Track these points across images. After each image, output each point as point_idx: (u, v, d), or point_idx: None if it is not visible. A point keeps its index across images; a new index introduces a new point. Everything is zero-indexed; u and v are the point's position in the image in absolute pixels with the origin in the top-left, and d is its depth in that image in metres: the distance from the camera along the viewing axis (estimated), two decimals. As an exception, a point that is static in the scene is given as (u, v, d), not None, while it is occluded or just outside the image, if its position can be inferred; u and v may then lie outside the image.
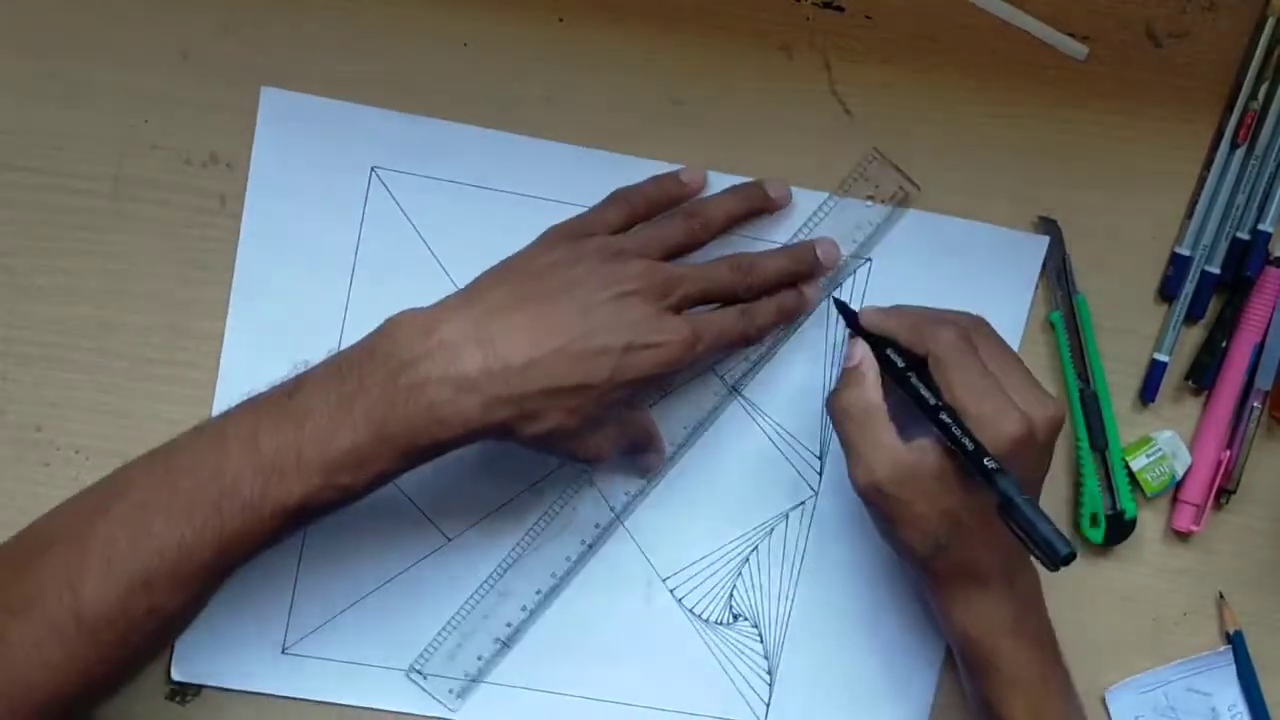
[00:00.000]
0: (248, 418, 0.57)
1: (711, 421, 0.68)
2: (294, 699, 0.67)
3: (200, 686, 0.67)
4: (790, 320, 0.66)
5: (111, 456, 0.66)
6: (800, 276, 0.66)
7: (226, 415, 0.57)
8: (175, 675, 0.66)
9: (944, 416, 0.59)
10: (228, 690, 0.67)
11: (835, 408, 0.63)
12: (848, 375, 0.63)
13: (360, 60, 0.65)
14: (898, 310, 0.65)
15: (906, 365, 0.62)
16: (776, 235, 0.66)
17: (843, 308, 0.66)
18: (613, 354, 0.58)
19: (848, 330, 0.65)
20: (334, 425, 0.55)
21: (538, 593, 0.68)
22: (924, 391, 0.61)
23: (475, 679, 0.68)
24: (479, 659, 0.68)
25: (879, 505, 0.61)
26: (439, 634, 0.67)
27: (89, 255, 0.65)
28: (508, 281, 0.59)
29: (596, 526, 0.68)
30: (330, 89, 0.65)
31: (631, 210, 0.64)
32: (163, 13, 0.64)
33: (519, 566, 0.67)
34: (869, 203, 0.67)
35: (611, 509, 0.68)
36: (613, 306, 0.58)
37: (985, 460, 0.58)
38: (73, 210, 0.65)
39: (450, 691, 0.68)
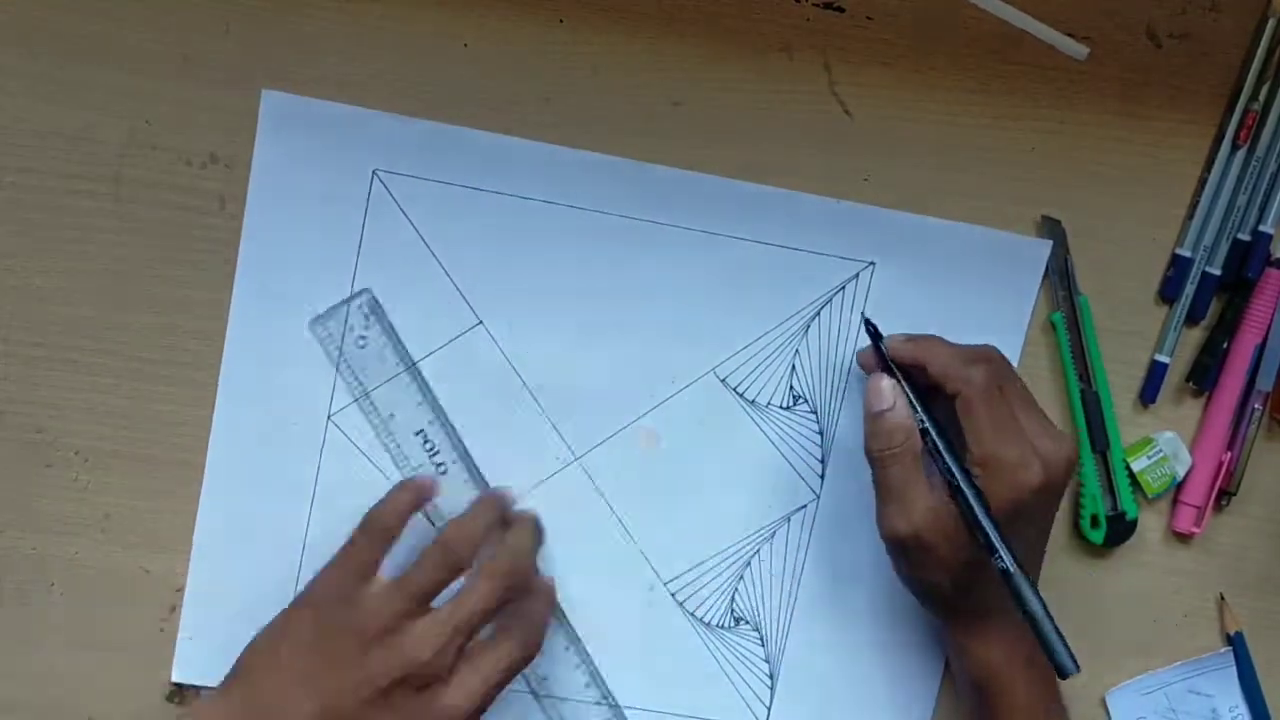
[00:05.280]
0: None
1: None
2: (294, 701, 0.67)
3: (200, 687, 0.66)
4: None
5: (112, 457, 0.66)
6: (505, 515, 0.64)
7: None
8: (175, 676, 0.66)
9: (967, 494, 0.60)
10: (227, 692, 0.67)
11: (880, 453, 0.61)
12: (886, 420, 0.61)
13: (360, 61, 0.65)
14: (926, 342, 0.63)
15: (938, 427, 0.61)
16: (773, 237, 0.67)
17: (872, 330, 0.64)
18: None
19: (865, 352, 0.65)
20: None
21: (538, 594, 0.67)
22: (950, 463, 0.60)
23: (475, 681, 0.68)
24: (479, 660, 0.67)
25: (910, 550, 0.61)
26: (439, 635, 0.67)
27: (89, 255, 0.65)
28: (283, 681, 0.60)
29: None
30: (330, 89, 0.65)
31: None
32: (163, 14, 0.64)
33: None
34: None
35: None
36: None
37: (1000, 560, 0.58)
38: (73, 210, 0.65)
39: (450, 693, 0.68)
